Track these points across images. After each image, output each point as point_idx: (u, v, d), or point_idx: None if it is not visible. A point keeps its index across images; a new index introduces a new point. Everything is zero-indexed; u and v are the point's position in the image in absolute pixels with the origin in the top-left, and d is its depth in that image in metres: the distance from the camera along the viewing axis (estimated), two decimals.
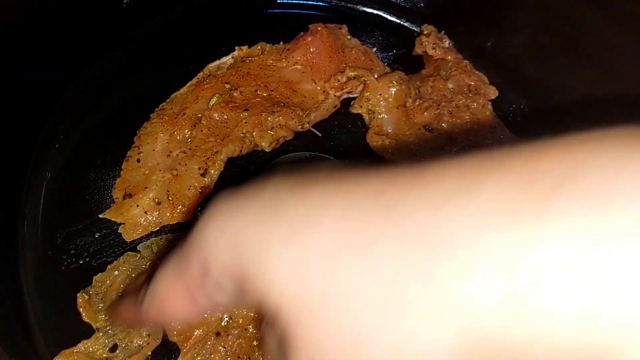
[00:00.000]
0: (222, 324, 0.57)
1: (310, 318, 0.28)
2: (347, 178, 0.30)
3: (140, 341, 0.57)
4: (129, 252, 0.62)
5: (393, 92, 0.74)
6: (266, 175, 0.35)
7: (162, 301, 0.38)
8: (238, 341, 0.57)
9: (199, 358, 0.56)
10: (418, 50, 0.79)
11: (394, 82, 0.75)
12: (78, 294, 0.59)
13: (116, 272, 0.61)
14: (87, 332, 0.57)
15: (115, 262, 0.62)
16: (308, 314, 0.28)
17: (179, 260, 0.36)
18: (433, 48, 0.78)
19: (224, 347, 0.56)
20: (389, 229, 0.27)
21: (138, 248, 0.63)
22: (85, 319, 0.58)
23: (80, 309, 0.58)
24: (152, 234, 0.64)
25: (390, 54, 0.82)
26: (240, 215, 0.32)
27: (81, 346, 0.56)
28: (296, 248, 0.29)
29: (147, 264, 0.62)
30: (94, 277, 0.60)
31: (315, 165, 0.34)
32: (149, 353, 0.57)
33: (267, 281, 0.30)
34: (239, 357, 0.56)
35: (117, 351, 0.56)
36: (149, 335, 0.57)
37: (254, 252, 0.30)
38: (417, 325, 0.26)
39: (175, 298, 0.37)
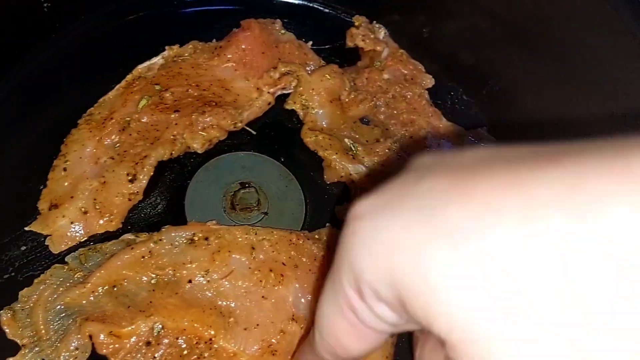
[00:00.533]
0: (154, 333, 0.56)
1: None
2: (515, 171, 0.25)
3: (67, 355, 0.55)
4: (56, 265, 0.60)
5: (326, 86, 0.73)
6: (410, 169, 0.31)
7: (332, 339, 0.35)
8: (168, 350, 0.56)
9: None
10: (349, 42, 0.78)
11: (327, 75, 0.73)
12: (1, 311, 0.57)
13: (43, 286, 0.59)
14: (13, 349, 0.56)
15: (42, 276, 0.60)
16: (483, 353, 0.24)
17: (333, 287, 0.32)
18: (363, 40, 0.77)
19: (154, 357, 0.55)
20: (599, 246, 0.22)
21: (66, 260, 0.61)
22: (10, 336, 0.56)
23: (4, 327, 0.56)
24: (81, 244, 0.63)
25: (327, 46, 0.81)
26: (391, 224, 0.28)
27: None
28: (466, 266, 0.24)
29: (75, 276, 0.60)
30: (20, 292, 0.58)
31: (460, 152, 0.29)
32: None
33: (433, 304, 0.25)
34: None
35: None
36: (77, 349, 0.55)
37: (413, 268, 0.26)
38: None
39: (343, 332, 0.33)
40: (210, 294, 0.58)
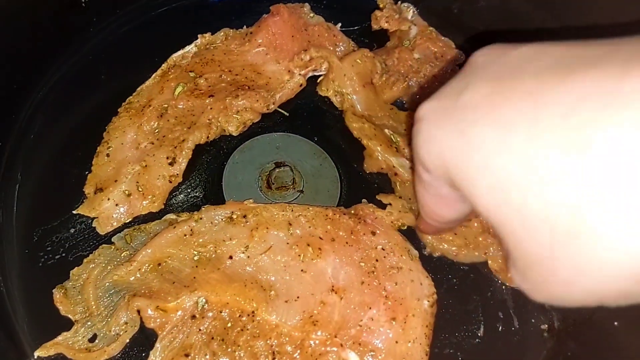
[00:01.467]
0: (199, 307, 0.58)
1: (513, 232, 0.32)
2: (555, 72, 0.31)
3: (117, 329, 0.57)
4: (103, 245, 0.63)
5: (357, 71, 0.73)
6: (465, 68, 0.39)
7: (428, 209, 0.47)
8: (213, 323, 0.57)
9: (176, 341, 0.57)
10: (374, 25, 0.79)
11: (358, 60, 0.74)
12: (54, 289, 0.60)
13: (92, 265, 0.62)
14: (67, 325, 0.58)
15: (90, 256, 0.62)
16: (510, 226, 0.32)
17: (416, 171, 0.43)
18: (387, 22, 0.77)
19: (199, 329, 0.57)
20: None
21: (112, 240, 0.63)
22: (63, 312, 0.59)
23: (58, 304, 0.59)
24: (126, 225, 0.65)
25: (356, 28, 0.81)
26: (442, 124, 0.37)
27: (61, 338, 0.57)
28: (495, 165, 0.32)
29: (122, 255, 0.62)
30: (71, 271, 0.61)
31: (508, 50, 0.37)
32: (127, 340, 0.57)
33: (474, 195, 0.34)
34: (212, 337, 0.56)
35: (97, 340, 0.57)
36: (126, 323, 0.58)
37: (458, 164, 0.35)
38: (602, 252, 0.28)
39: (432, 203, 0.45)
40: (250, 269, 0.59)
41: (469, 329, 0.61)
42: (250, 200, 0.64)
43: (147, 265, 0.60)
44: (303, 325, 0.56)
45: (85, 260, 0.62)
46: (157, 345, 0.56)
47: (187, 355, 0.55)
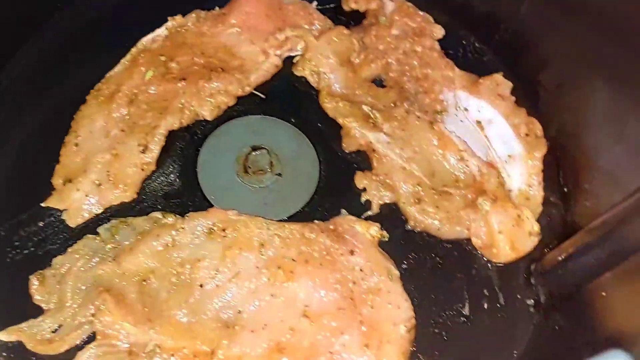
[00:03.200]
0: (145, 350, 0.54)
1: None
2: None
3: (83, 319, 0.56)
4: (88, 235, 0.61)
5: (334, 50, 0.71)
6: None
7: None
8: None
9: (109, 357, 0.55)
10: (345, 6, 0.77)
11: (334, 38, 0.72)
12: (31, 275, 0.58)
13: (76, 256, 0.59)
14: (34, 315, 0.56)
15: (75, 245, 0.60)
16: None
17: None
18: (355, 2, 0.75)
19: None
20: None
21: (98, 231, 0.61)
22: (37, 298, 0.57)
23: (33, 289, 0.57)
24: (97, 216, 0.63)
25: (332, 5, 0.79)
26: None
27: (26, 325, 0.56)
28: None
29: (106, 247, 0.60)
30: (54, 259, 0.59)
31: None
32: (89, 333, 0.55)
33: None
34: None
35: (59, 331, 0.56)
36: (93, 315, 0.55)
37: None
38: None
39: None
40: (218, 303, 0.56)
41: (454, 308, 0.60)
42: (234, 211, 0.61)
43: (135, 277, 0.58)
44: (269, 354, 0.54)
45: (69, 249, 0.60)
46: (91, 350, 0.54)
47: None
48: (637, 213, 0.48)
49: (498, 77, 0.69)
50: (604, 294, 0.50)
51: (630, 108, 0.55)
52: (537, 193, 0.65)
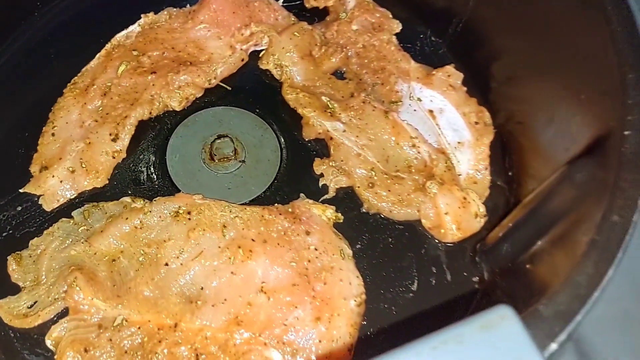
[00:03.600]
0: (113, 323, 0.59)
1: None
2: None
3: (56, 296, 0.60)
4: (63, 219, 0.65)
5: (296, 44, 0.75)
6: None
7: None
8: (128, 339, 0.58)
9: (80, 331, 0.58)
10: (307, 4, 0.81)
11: (296, 33, 0.76)
12: (9, 256, 0.62)
13: (51, 238, 0.64)
14: (12, 293, 0.61)
15: (50, 228, 0.65)
16: None
17: None
18: (315, 0, 0.79)
19: (110, 339, 0.58)
20: None
21: (72, 214, 0.65)
22: (15, 277, 0.61)
23: (10, 269, 0.62)
24: (71, 201, 0.67)
25: (297, 2, 0.82)
26: None
27: (3, 301, 0.60)
28: None
29: (80, 229, 0.65)
30: (30, 241, 0.63)
31: None
32: (62, 308, 0.60)
33: None
34: (125, 352, 0.57)
35: (34, 306, 0.60)
36: (65, 291, 0.60)
37: None
38: None
39: None
40: (182, 280, 0.60)
41: (403, 285, 0.64)
42: (200, 195, 0.65)
43: (105, 257, 0.62)
44: (227, 326, 0.58)
45: (45, 232, 0.64)
46: (64, 324, 0.58)
47: (86, 351, 0.57)
48: (559, 185, 0.52)
49: (450, 68, 0.73)
50: (532, 264, 0.54)
51: (557, 95, 0.60)
52: (484, 177, 0.69)
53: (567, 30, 0.59)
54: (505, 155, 0.70)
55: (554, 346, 0.37)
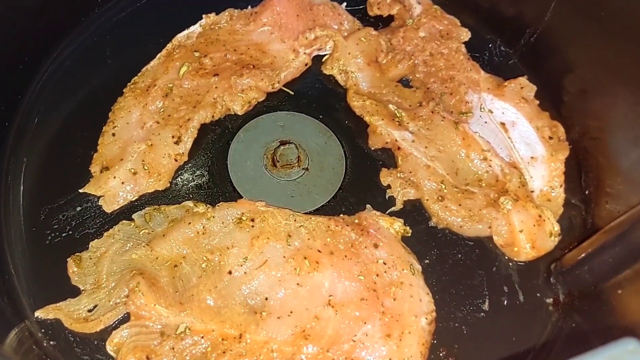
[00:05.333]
0: (176, 331, 0.57)
1: None
2: None
3: (117, 300, 0.58)
4: (124, 221, 0.64)
5: (362, 49, 0.73)
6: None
7: None
8: (190, 348, 0.56)
9: (142, 338, 0.57)
10: (370, 12, 0.79)
11: (362, 38, 0.74)
12: (69, 258, 0.61)
13: (112, 240, 0.62)
14: (72, 296, 0.59)
15: (110, 230, 0.63)
16: None
17: None
18: (378, 8, 0.77)
19: (172, 348, 0.56)
20: None
21: (133, 217, 0.64)
22: (75, 279, 0.60)
23: (71, 271, 0.60)
24: (131, 203, 0.65)
25: (361, 7, 0.81)
26: None
27: (64, 304, 0.59)
28: None
29: (140, 233, 0.63)
30: (91, 243, 0.62)
31: None
32: (124, 313, 0.58)
33: None
34: None
35: (95, 310, 0.59)
36: (127, 296, 0.58)
37: None
38: None
39: None
40: (245, 290, 0.59)
41: (474, 303, 0.61)
42: (263, 202, 0.64)
43: (167, 262, 0.61)
44: (294, 340, 0.56)
45: (105, 234, 0.63)
46: (125, 329, 0.56)
47: (148, 358, 0.55)
48: None
49: (522, 80, 0.71)
50: (620, 292, 0.52)
51: None
52: (559, 195, 0.66)
53: None
54: (582, 173, 0.67)
55: None
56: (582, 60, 0.69)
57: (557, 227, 0.63)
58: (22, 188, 0.66)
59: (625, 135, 0.61)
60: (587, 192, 0.67)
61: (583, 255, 0.58)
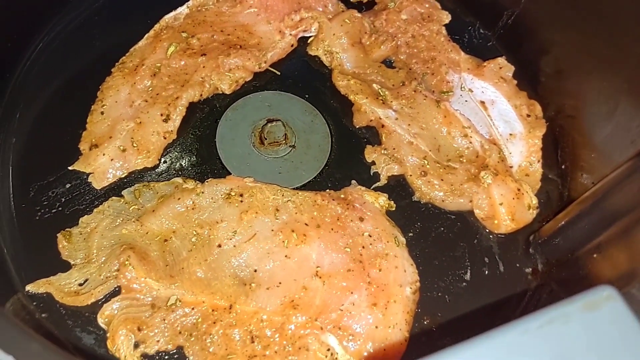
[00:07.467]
0: (167, 303, 0.58)
1: None
2: None
3: (108, 274, 0.59)
4: (113, 197, 0.64)
5: (346, 31, 0.75)
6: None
7: None
8: (181, 320, 0.57)
9: (133, 310, 0.57)
10: None
11: (346, 20, 0.75)
12: (59, 233, 0.61)
13: (102, 216, 0.63)
14: (63, 270, 0.60)
15: (100, 206, 0.64)
16: None
17: None
18: None
19: (163, 319, 0.57)
20: None
21: (122, 193, 0.65)
22: (65, 254, 0.60)
23: (61, 246, 0.61)
24: (121, 180, 0.66)
25: None
26: None
27: (55, 278, 0.59)
28: None
29: (130, 209, 0.64)
30: (80, 219, 0.63)
31: None
32: (114, 287, 0.59)
33: None
34: (180, 332, 0.57)
35: (86, 284, 0.59)
36: (117, 270, 0.59)
37: None
38: None
39: None
40: (235, 262, 0.60)
41: (457, 274, 0.64)
42: (251, 178, 0.65)
43: (157, 237, 0.62)
44: (283, 310, 0.58)
45: (95, 210, 0.64)
46: (117, 302, 0.57)
47: (139, 330, 0.56)
48: (622, 182, 0.52)
49: (501, 60, 0.73)
50: (595, 256, 0.54)
51: (621, 89, 0.60)
52: (537, 169, 0.69)
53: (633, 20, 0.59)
54: (558, 149, 0.70)
55: None
56: (557, 42, 0.72)
57: (535, 201, 0.66)
58: (10, 166, 0.66)
59: (599, 111, 0.64)
60: (563, 167, 0.69)
61: (560, 225, 0.61)
